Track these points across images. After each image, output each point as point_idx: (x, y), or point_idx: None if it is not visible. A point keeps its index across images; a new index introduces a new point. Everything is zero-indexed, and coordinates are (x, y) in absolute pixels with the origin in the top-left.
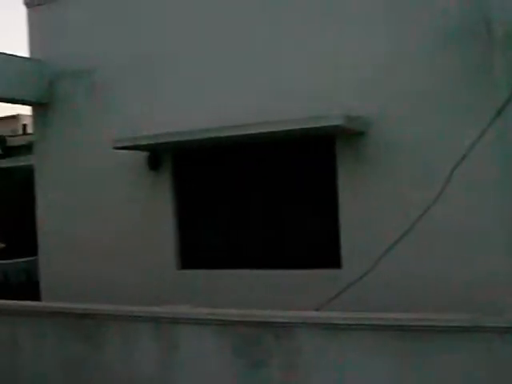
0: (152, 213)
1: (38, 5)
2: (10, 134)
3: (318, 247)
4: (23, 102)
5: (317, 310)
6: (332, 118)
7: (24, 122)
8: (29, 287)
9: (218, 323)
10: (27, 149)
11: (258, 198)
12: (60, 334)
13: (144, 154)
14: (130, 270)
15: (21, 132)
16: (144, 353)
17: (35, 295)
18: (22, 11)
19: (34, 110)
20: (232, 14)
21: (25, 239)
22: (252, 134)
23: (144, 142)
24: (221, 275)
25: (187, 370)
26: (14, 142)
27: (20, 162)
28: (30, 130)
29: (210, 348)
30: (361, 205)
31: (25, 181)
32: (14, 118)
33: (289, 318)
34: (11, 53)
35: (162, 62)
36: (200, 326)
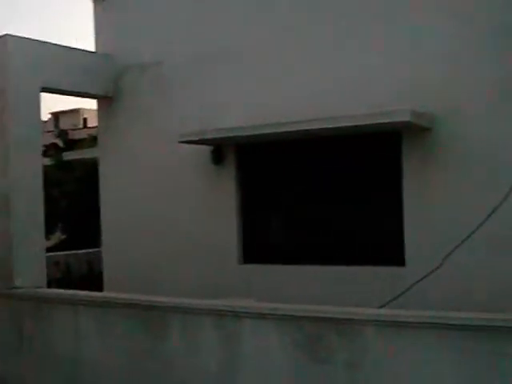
0: (215, 207)
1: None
2: (72, 127)
3: (382, 244)
4: (89, 96)
5: (381, 307)
6: (399, 113)
7: (85, 116)
8: (91, 278)
9: (281, 318)
10: (88, 142)
11: (322, 193)
12: (124, 324)
13: (208, 148)
14: (192, 262)
15: (82, 125)
16: (206, 345)
17: (97, 286)
18: (89, 5)
19: (99, 104)
20: (298, 9)
21: (85, 231)
22: (317, 130)
23: (209, 136)
24: (283, 270)
25: (249, 364)
26: (75, 135)
27: (81, 154)
28: (90, 123)
29: (272, 343)
30: (426, 202)
31: (86, 173)
32: (76, 111)
33: (353, 315)
34: (78, 47)
35: (227, 57)
36: (263, 320)
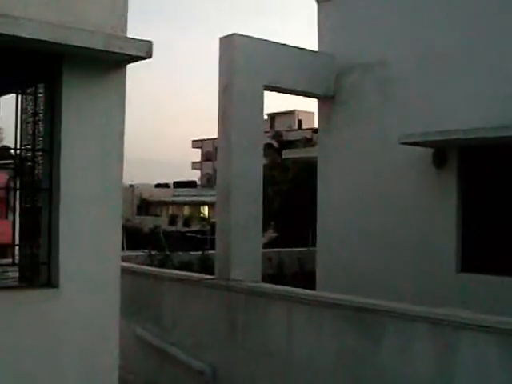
0: (434, 211)
1: (328, 0)
2: (287, 128)
3: None
4: (309, 95)
5: None
6: None
7: (299, 118)
8: (302, 276)
9: (505, 332)
10: (302, 143)
11: None
12: (336, 325)
13: (429, 151)
14: (406, 267)
15: (296, 127)
16: (420, 353)
17: (308, 284)
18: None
19: (319, 104)
20: None
21: (295, 230)
22: None
23: (434, 138)
24: (504, 282)
25: (466, 377)
26: (289, 136)
27: (298, 154)
28: (305, 125)
29: (492, 358)
30: None
31: (300, 174)
32: (291, 113)
33: None
34: (301, 47)
35: (452, 57)
36: (483, 333)
